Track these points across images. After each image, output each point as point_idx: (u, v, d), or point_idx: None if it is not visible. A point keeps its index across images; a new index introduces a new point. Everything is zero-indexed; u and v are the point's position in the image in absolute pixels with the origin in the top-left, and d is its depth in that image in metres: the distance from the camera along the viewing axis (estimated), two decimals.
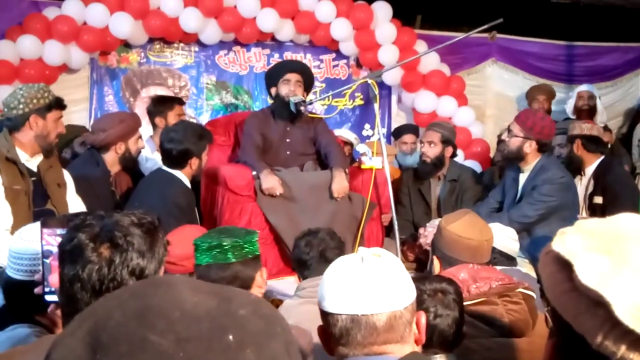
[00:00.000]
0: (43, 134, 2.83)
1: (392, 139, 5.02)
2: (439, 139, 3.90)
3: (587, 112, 5.01)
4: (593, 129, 3.93)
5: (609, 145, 4.67)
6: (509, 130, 3.54)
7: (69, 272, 1.14)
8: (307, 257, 2.26)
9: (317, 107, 5.26)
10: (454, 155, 4.04)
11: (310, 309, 1.86)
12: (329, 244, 2.27)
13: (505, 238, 2.61)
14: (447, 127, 4.05)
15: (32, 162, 2.87)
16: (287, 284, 3.20)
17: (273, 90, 3.70)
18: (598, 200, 3.88)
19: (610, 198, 3.81)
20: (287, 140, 3.68)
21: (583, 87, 5.19)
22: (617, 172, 4.01)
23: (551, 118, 3.75)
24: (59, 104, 2.91)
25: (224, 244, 1.82)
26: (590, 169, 3.93)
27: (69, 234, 1.18)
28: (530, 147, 3.41)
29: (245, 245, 1.85)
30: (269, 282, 3.03)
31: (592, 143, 3.91)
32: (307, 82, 3.76)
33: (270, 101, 3.86)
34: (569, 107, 5.17)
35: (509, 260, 2.61)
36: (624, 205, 3.62)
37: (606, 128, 4.86)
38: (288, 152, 3.67)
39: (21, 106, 2.78)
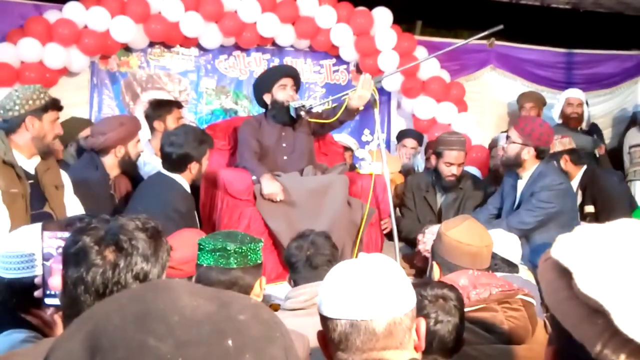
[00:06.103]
0: (40, 135, 2.80)
1: (395, 142, 5.05)
2: (464, 157, 3.90)
3: (576, 120, 4.93)
4: (571, 142, 3.98)
5: (598, 156, 4.70)
6: (507, 136, 3.54)
7: (73, 274, 1.14)
8: (294, 259, 2.19)
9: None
10: None
11: (293, 322, 1.81)
12: (319, 249, 2.18)
13: (508, 244, 2.61)
14: (465, 142, 4.00)
15: (30, 164, 2.84)
16: (285, 288, 3.19)
17: (267, 97, 3.70)
18: (589, 209, 3.90)
19: (602, 205, 3.85)
20: (283, 145, 3.68)
21: (572, 93, 5.05)
22: (605, 178, 4.05)
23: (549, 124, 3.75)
24: (55, 105, 2.87)
25: (228, 248, 1.82)
26: (575, 182, 3.95)
27: (74, 236, 1.18)
28: (528, 153, 3.40)
29: (249, 253, 1.84)
30: (268, 287, 3.03)
31: (576, 155, 3.97)
32: (299, 85, 3.82)
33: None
34: (556, 113, 5.06)
35: (511, 267, 2.61)
36: (616, 210, 3.64)
37: (596, 140, 4.77)
38: (285, 157, 3.67)
39: (17, 107, 2.75)
